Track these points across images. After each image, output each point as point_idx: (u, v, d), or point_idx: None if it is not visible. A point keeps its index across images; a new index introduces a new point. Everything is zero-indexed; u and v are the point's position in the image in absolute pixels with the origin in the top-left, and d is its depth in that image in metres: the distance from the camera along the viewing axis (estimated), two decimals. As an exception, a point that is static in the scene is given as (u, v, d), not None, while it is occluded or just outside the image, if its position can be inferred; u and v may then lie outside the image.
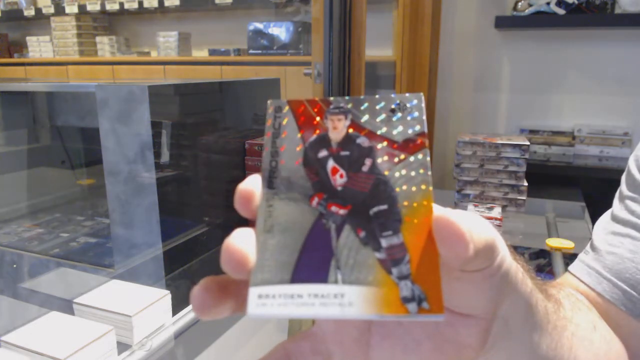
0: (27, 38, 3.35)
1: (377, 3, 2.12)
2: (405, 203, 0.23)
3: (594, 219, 0.52)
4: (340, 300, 0.21)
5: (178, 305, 0.72)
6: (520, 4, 1.90)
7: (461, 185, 1.35)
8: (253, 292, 0.21)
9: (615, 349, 0.42)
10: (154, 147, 0.77)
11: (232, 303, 0.23)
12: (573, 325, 0.35)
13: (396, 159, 0.23)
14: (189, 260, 0.89)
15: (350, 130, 0.24)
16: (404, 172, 0.23)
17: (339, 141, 0.24)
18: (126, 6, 2.91)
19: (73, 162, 1.27)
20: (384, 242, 0.22)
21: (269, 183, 0.24)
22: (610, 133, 1.91)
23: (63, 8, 3.12)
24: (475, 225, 0.21)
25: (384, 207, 0.23)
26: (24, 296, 0.79)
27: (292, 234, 0.22)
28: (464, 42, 2.13)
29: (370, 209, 0.23)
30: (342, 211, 0.23)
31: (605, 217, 0.50)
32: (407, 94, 0.25)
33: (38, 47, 3.30)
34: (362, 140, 0.24)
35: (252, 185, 0.24)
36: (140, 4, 2.85)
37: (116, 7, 2.95)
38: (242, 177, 1.16)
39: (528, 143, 1.30)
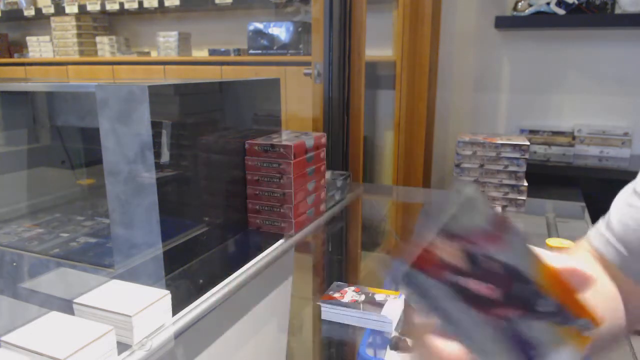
0: (27, 38, 3.34)
1: (377, 3, 2.12)
2: (532, 271, 0.28)
3: (594, 219, 0.55)
4: None
5: (178, 305, 0.72)
6: (520, 4, 1.90)
7: (461, 185, 1.35)
8: None
9: (614, 299, 0.51)
10: (154, 147, 0.77)
11: None
12: None
13: (498, 243, 0.27)
14: (189, 260, 0.89)
15: (455, 246, 0.28)
16: (510, 249, 0.27)
17: (459, 261, 0.28)
18: (126, 6, 2.91)
19: (73, 162, 1.27)
20: (545, 309, 0.28)
21: (464, 332, 0.28)
22: (610, 133, 1.91)
23: (63, 8, 3.11)
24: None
25: (526, 286, 0.28)
26: (24, 296, 0.79)
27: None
28: (464, 42, 2.13)
29: (522, 296, 0.28)
30: (509, 312, 0.28)
31: (627, 188, 0.55)
32: (460, 185, 0.28)
33: (38, 47, 3.30)
34: (470, 247, 0.27)
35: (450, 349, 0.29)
36: (140, 4, 2.85)
37: (116, 7, 2.94)
38: (242, 177, 1.15)
39: (528, 143, 1.30)
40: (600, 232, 0.55)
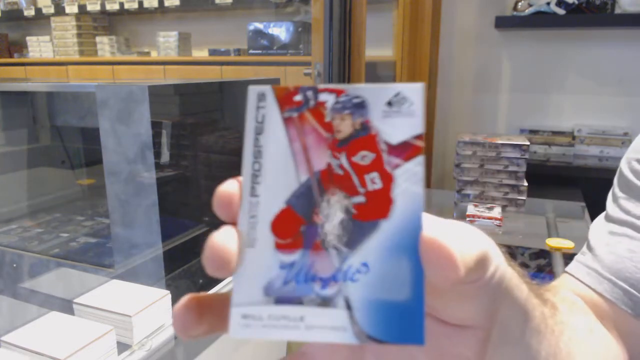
0: (27, 38, 3.34)
1: (377, 3, 2.12)
2: None
3: (594, 219, 0.53)
4: None
5: (178, 305, 0.72)
6: (520, 4, 1.90)
7: (461, 185, 1.35)
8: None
9: (613, 352, 0.42)
10: (154, 147, 0.77)
11: (214, 322, 0.22)
12: (570, 329, 0.34)
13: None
14: (189, 260, 0.89)
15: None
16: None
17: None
18: (126, 6, 2.91)
19: (73, 162, 1.27)
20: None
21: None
22: (610, 133, 1.91)
23: (63, 8, 3.11)
24: (465, 241, 0.20)
25: None
26: (24, 296, 0.79)
27: None
28: (464, 42, 2.13)
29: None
30: None
31: (599, 220, 0.51)
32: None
33: (38, 47, 3.30)
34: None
35: (232, 188, 0.22)
36: (140, 4, 2.85)
37: (116, 7, 2.94)
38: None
39: (528, 143, 1.30)
40: (585, 264, 0.47)
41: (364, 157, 0.21)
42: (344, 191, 0.21)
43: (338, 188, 0.21)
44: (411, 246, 0.20)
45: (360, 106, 0.21)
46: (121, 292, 0.70)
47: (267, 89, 0.22)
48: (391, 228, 0.20)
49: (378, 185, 0.21)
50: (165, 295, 0.69)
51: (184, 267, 0.87)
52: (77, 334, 0.59)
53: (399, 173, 0.21)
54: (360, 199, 0.21)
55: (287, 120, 0.22)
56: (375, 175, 0.21)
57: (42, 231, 1.05)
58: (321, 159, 0.21)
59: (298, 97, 0.22)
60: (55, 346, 0.56)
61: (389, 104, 0.21)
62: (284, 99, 0.22)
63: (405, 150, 0.21)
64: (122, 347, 0.63)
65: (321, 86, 0.22)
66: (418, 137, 0.21)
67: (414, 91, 0.21)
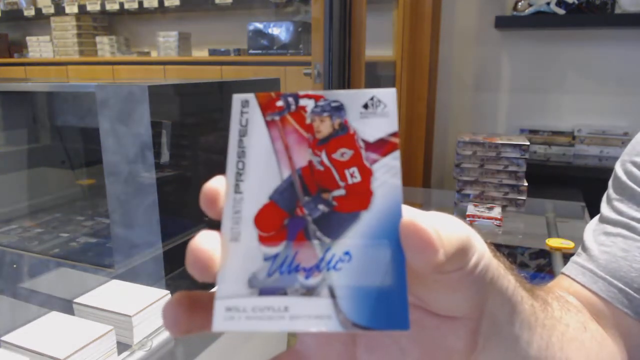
0: (27, 38, 3.34)
1: (377, 3, 2.12)
2: None
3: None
4: None
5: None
6: (520, 4, 1.90)
7: (461, 185, 1.35)
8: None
9: (608, 350, 0.42)
10: (154, 147, 0.77)
11: (204, 319, 0.21)
12: (562, 325, 0.34)
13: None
14: (189, 260, 0.89)
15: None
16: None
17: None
18: (126, 6, 2.91)
19: (73, 162, 1.27)
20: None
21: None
22: (610, 133, 1.91)
23: (63, 8, 3.11)
24: (445, 228, 0.21)
25: None
26: (24, 296, 0.80)
27: None
28: (464, 42, 2.13)
29: None
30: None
31: (594, 221, 0.51)
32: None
33: (38, 47, 3.30)
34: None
35: (218, 185, 0.23)
36: (140, 4, 2.85)
37: (116, 7, 2.94)
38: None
39: (528, 143, 1.30)
40: (580, 265, 0.47)
41: (344, 153, 0.22)
42: (325, 185, 0.22)
43: (319, 183, 0.22)
44: (392, 234, 0.21)
45: (338, 109, 0.23)
46: (121, 292, 0.70)
47: (250, 96, 0.23)
48: (372, 218, 0.21)
49: (357, 179, 0.22)
50: (165, 295, 0.69)
51: (184, 267, 0.87)
52: (77, 334, 0.59)
53: (377, 167, 0.22)
54: (340, 192, 0.22)
55: (269, 123, 0.23)
56: (354, 169, 0.22)
57: (42, 231, 1.05)
58: (303, 157, 0.22)
59: (280, 103, 0.23)
60: (55, 346, 0.56)
61: (365, 106, 0.23)
62: (267, 104, 0.23)
63: (382, 147, 0.22)
64: (122, 347, 0.63)
65: (301, 93, 0.23)
66: (393, 134, 0.22)
67: (387, 95, 0.23)
